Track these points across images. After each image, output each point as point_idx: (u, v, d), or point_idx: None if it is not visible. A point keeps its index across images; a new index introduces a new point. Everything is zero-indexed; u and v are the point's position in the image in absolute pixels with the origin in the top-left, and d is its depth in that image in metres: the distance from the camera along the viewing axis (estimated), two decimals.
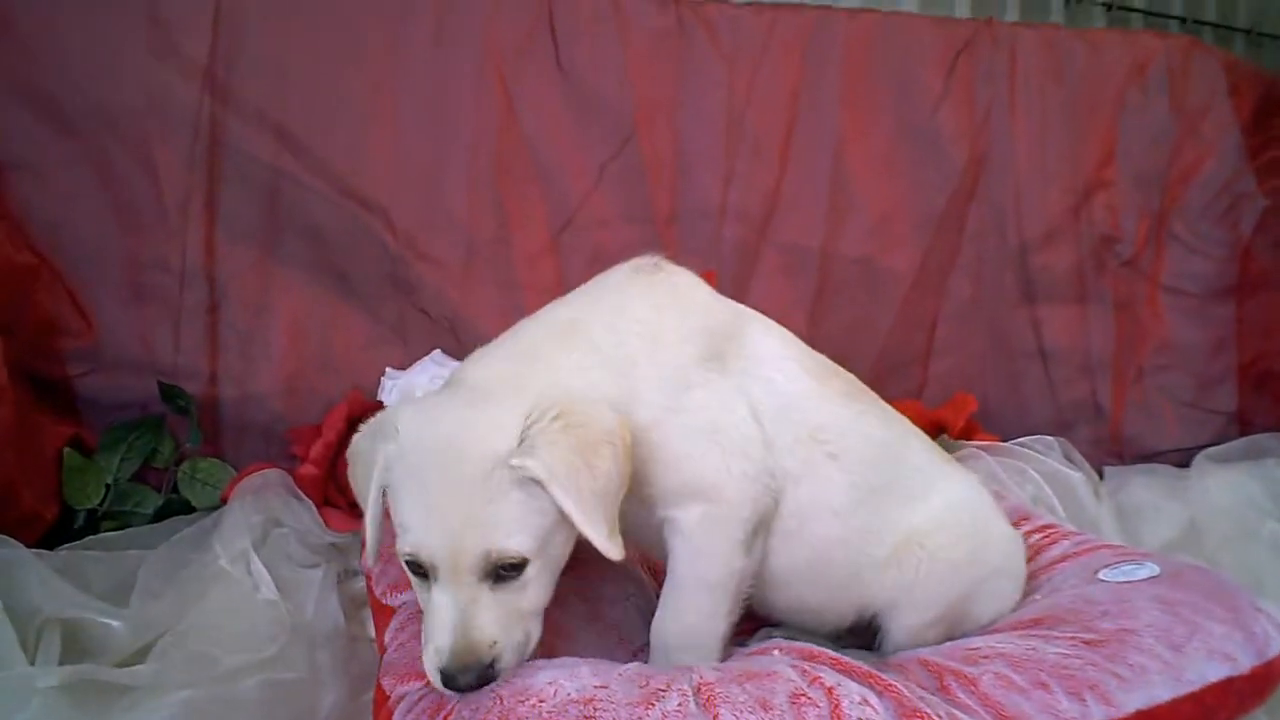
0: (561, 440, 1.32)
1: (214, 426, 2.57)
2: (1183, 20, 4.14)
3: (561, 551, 1.39)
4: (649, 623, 1.62)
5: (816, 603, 1.70)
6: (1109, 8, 3.98)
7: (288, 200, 2.63)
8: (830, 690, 1.34)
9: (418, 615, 1.57)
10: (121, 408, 2.47)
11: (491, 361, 1.51)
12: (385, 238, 2.70)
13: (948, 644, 1.60)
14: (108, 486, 2.34)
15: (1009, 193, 3.21)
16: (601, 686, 1.33)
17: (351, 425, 2.46)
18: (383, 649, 1.58)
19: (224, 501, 2.32)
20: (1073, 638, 1.54)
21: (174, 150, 2.54)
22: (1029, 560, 1.87)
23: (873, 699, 1.34)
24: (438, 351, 2.68)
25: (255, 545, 2.09)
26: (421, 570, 1.34)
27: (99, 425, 2.44)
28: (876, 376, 2.77)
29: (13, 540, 1.93)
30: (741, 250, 3.00)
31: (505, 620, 1.33)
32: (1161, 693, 1.44)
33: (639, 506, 1.46)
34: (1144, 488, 2.81)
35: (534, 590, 1.36)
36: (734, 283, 2.92)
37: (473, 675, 1.29)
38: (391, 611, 1.65)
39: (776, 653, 1.50)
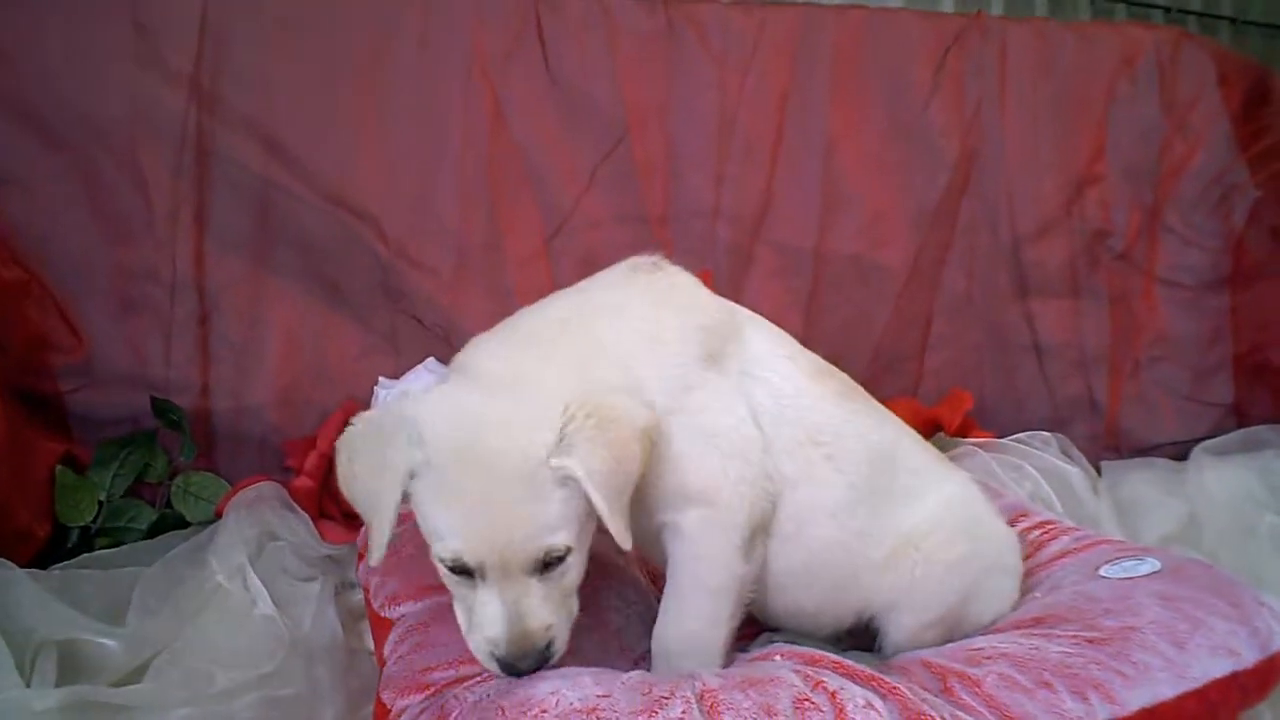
0: (597, 438, 1.35)
1: (207, 440, 2.56)
2: (1167, 9, 4.15)
3: (590, 533, 1.43)
4: (650, 630, 1.61)
5: (814, 606, 1.69)
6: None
7: (278, 210, 2.62)
8: (834, 695, 1.33)
9: (417, 628, 1.57)
10: (114, 423, 2.46)
11: (500, 352, 1.50)
12: (376, 246, 2.69)
13: (950, 645, 1.60)
14: (101, 503, 2.33)
15: (1001, 187, 3.21)
16: (604, 695, 1.33)
17: None
18: (382, 662, 1.57)
19: (219, 515, 2.31)
20: (1075, 636, 1.53)
21: (162, 161, 2.52)
22: (1028, 557, 1.87)
23: (877, 702, 1.34)
24: (431, 359, 2.67)
25: (251, 559, 2.07)
26: (462, 570, 1.35)
27: (91, 441, 2.42)
28: (872, 374, 2.78)
29: (6, 561, 1.92)
30: (735, 251, 2.99)
31: (553, 604, 1.37)
32: (1165, 690, 1.44)
33: (638, 510, 1.46)
34: (1142, 482, 2.80)
35: (573, 572, 1.40)
36: (728, 283, 2.91)
37: (532, 659, 1.35)
38: (390, 624, 1.64)
39: (778, 658, 1.50)
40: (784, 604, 1.68)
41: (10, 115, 2.43)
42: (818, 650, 1.51)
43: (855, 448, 1.66)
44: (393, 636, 1.59)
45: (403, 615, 1.64)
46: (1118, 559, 1.80)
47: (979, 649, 1.53)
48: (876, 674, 1.41)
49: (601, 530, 1.39)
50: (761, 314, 1.74)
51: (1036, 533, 2.03)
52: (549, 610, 1.36)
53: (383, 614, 1.67)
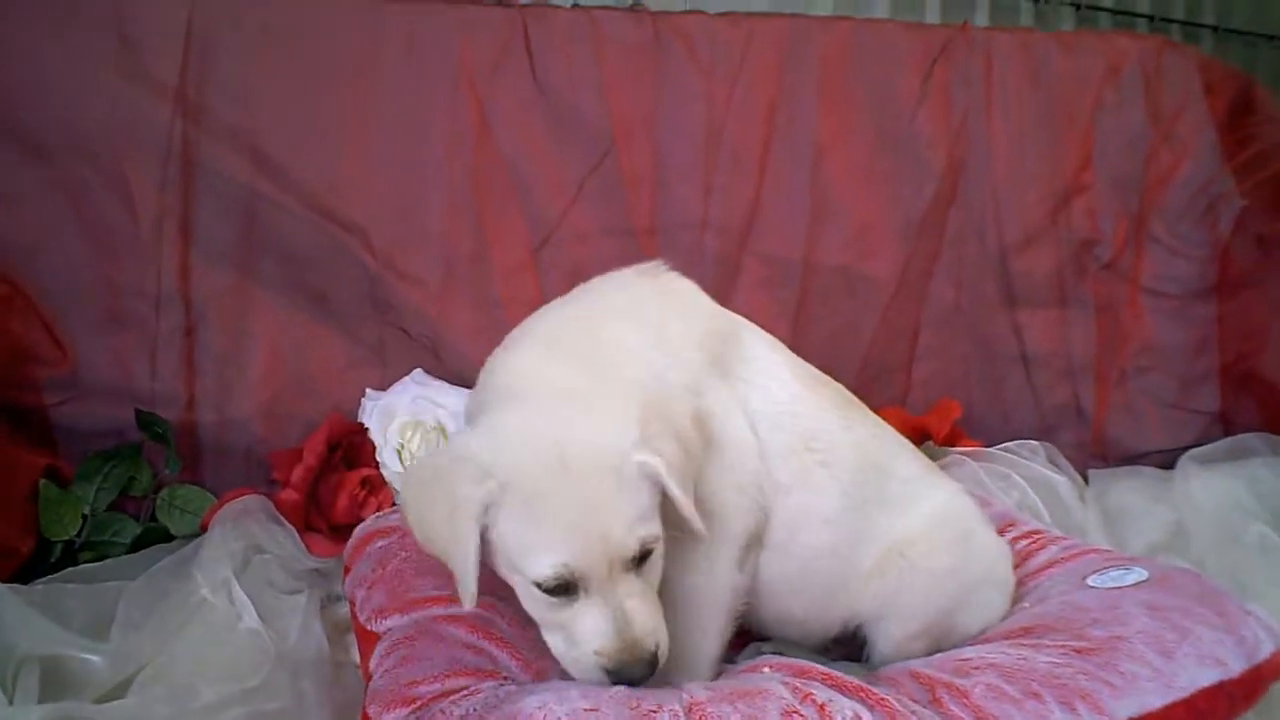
0: (666, 432, 1.40)
1: (193, 452, 2.54)
2: (1151, 18, 4.17)
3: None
4: None
5: (803, 613, 1.69)
6: (1077, 7, 4.00)
7: (264, 222, 2.61)
8: (822, 707, 1.34)
9: (404, 641, 1.57)
10: (98, 436, 2.44)
11: (543, 368, 1.50)
12: (363, 257, 2.68)
13: (939, 655, 1.60)
14: (85, 517, 2.31)
15: (988, 197, 3.21)
16: (591, 710, 1.32)
17: (332, 448, 2.47)
18: (368, 676, 1.56)
19: (204, 529, 2.29)
20: (1064, 646, 1.54)
21: (147, 173, 2.51)
22: (1016, 567, 1.87)
23: (865, 714, 1.34)
24: (418, 371, 2.66)
25: (236, 573, 2.05)
26: (562, 588, 1.35)
27: (76, 454, 2.40)
28: (860, 384, 2.78)
29: None
30: (723, 262, 2.99)
31: (651, 606, 1.39)
32: (1153, 700, 1.45)
33: None
34: (1129, 490, 2.81)
35: (659, 565, 1.43)
36: (716, 295, 2.82)
37: (644, 667, 1.36)
38: (377, 638, 1.63)
39: (767, 670, 1.50)
40: (774, 611, 1.69)
41: None
42: (806, 662, 1.50)
43: (849, 455, 1.68)
44: (379, 650, 1.58)
45: (389, 629, 1.63)
46: (1105, 569, 1.81)
47: (967, 659, 1.53)
48: (865, 685, 1.41)
49: None
50: None
51: (1024, 542, 2.03)
52: (649, 613, 1.38)
53: (369, 627, 1.67)
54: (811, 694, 1.36)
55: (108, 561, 2.22)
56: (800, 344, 1.79)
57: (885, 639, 1.67)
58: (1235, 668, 1.53)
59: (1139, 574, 1.75)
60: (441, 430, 2.57)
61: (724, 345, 1.65)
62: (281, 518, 2.36)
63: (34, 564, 2.22)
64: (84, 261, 2.49)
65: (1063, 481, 2.79)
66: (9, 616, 1.81)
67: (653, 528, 1.38)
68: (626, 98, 2.90)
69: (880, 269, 3.11)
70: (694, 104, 2.97)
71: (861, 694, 1.39)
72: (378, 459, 2.54)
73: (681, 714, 1.32)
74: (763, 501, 1.59)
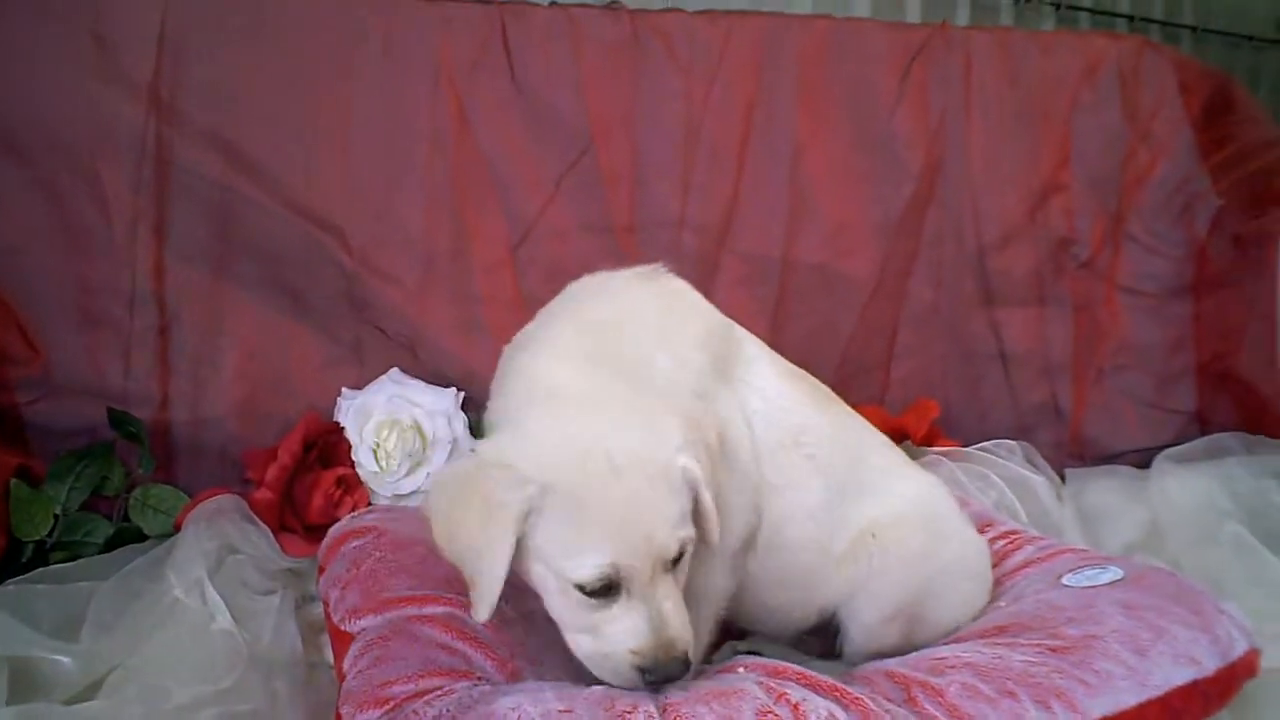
0: (698, 440, 1.44)
1: (166, 452, 2.52)
2: (1130, 19, 4.19)
3: None
4: None
5: (783, 604, 1.70)
6: (1057, 7, 4.02)
7: (239, 220, 2.59)
8: (796, 706, 1.33)
9: (377, 642, 1.55)
10: (71, 435, 2.42)
11: (572, 370, 1.48)
12: (340, 256, 2.67)
13: (914, 654, 1.60)
14: (56, 517, 2.28)
15: (966, 196, 3.22)
16: (566, 711, 1.32)
17: (307, 447, 2.45)
18: (342, 676, 1.55)
19: (177, 528, 2.27)
20: (1038, 645, 1.54)
21: (121, 172, 2.49)
22: (993, 567, 1.87)
23: (839, 713, 1.34)
24: (395, 370, 2.65)
25: (210, 573, 2.03)
26: (603, 590, 1.35)
27: (49, 454, 2.38)
28: (839, 383, 2.76)
29: None
30: (701, 260, 2.98)
31: (681, 609, 1.39)
32: (1128, 698, 1.45)
33: None
34: (1105, 490, 2.81)
35: (685, 566, 1.43)
36: None
37: (679, 665, 1.37)
38: (350, 638, 1.62)
39: (742, 670, 1.49)
40: (755, 604, 1.69)
41: None
42: (781, 662, 1.50)
43: (830, 447, 1.70)
44: (352, 651, 1.57)
45: (363, 629, 1.62)
46: (1081, 568, 1.81)
47: (942, 658, 1.53)
48: (839, 684, 1.41)
49: None
50: None
51: (1001, 543, 2.04)
52: (682, 614, 1.39)
53: (343, 628, 1.66)
54: (786, 694, 1.36)
55: (79, 561, 2.20)
56: (779, 342, 1.79)
57: (857, 625, 1.68)
58: (1209, 666, 1.53)
59: (1114, 573, 1.76)
60: (418, 429, 2.56)
61: (724, 347, 1.66)
62: (255, 517, 2.34)
63: (4, 564, 2.19)
64: (57, 260, 2.47)
65: (1040, 481, 2.79)
66: None
67: (689, 530, 1.40)
68: (605, 95, 2.90)
69: (858, 268, 3.11)
70: (672, 102, 2.97)
71: (836, 693, 1.38)
72: (353, 458, 2.53)
73: (656, 714, 1.32)
74: (758, 502, 1.60)
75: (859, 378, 3.12)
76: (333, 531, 2.00)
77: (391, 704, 1.40)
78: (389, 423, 2.55)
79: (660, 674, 1.36)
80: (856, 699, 1.37)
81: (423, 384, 2.65)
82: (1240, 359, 3.13)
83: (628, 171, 2.93)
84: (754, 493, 1.59)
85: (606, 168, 2.89)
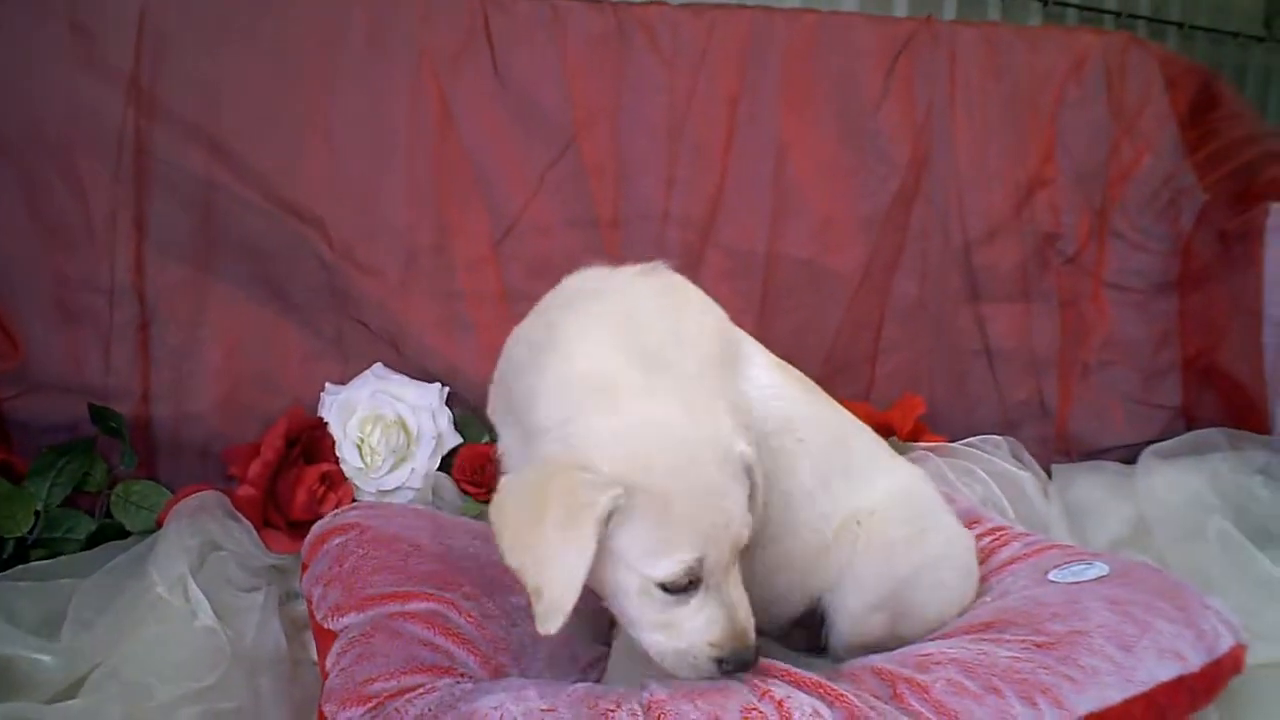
0: (747, 428, 1.46)
1: (148, 448, 2.50)
2: (1117, 14, 4.19)
3: None
4: (600, 638, 1.61)
5: (774, 593, 1.69)
6: (1045, 3, 4.02)
7: (220, 213, 2.57)
8: (781, 703, 1.33)
9: (360, 639, 1.55)
10: (51, 431, 2.40)
11: (623, 366, 1.44)
12: (322, 249, 2.65)
13: (900, 650, 1.60)
14: (37, 513, 2.26)
15: (951, 192, 3.21)
16: (549, 710, 1.32)
17: (291, 443, 2.44)
18: (325, 674, 1.54)
19: (159, 525, 2.25)
20: (1024, 640, 1.54)
21: (100, 164, 2.47)
22: (980, 564, 1.87)
23: (824, 710, 1.34)
24: (379, 365, 2.64)
25: (193, 570, 2.02)
26: (683, 584, 1.34)
27: (28, 450, 2.36)
28: (825, 378, 2.76)
29: None
30: (686, 254, 2.97)
31: (744, 594, 1.40)
32: (1113, 694, 1.45)
33: None
34: (1091, 485, 2.81)
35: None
36: None
37: (753, 652, 1.38)
38: (334, 636, 1.61)
39: None
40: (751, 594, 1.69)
41: None
42: (767, 659, 1.50)
43: (819, 434, 1.70)
44: (335, 648, 1.56)
45: (346, 627, 1.61)
46: (1066, 564, 1.82)
47: (928, 655, 1.53)
48: (824, 681, 1.41)
49: None
50: None
51: (988, 539, 2.04)
52: (746, 605, 1.39)
53: (326, 626, 1.65)
54: (770, 691, 1.35)
55: (61, 559, 2.18)
56: (764, 337, 1.78)
57: (842, 615, 1.68)
58: (1195, 662, 1.53)
59: (1100, 569, 1.76)
60: (402, 425, 2.55)
61: (728, 340, 1.66)
62: (238, 514, 2.32)
63: None
64: (35, 254, 2.45)
65: (1027, 477, 2.79)
66: None
67: (750, 517, 1.40)
68: (589, 89, 2.88)
69: (843, 263, 3.11)
70: (656, 95, 2.96)
71: (820, 690, 1.38)
72: (337, 454, 2.52)
73: (640, 712, 1.31)
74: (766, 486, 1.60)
75: (845, 373, 3.11)
76: (315, 529, 1.98)
77: (374, 702, 1.39)
78: (373, 418, 2.54)
79: (736, 663, 1.37)
80: (841, 695, 1.37)
81: (407, 379, 2.64)
82: (1225, 354, 3.14)
83: (612, 165, 2.91)
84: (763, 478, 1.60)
85: (590, 161, 2.88)
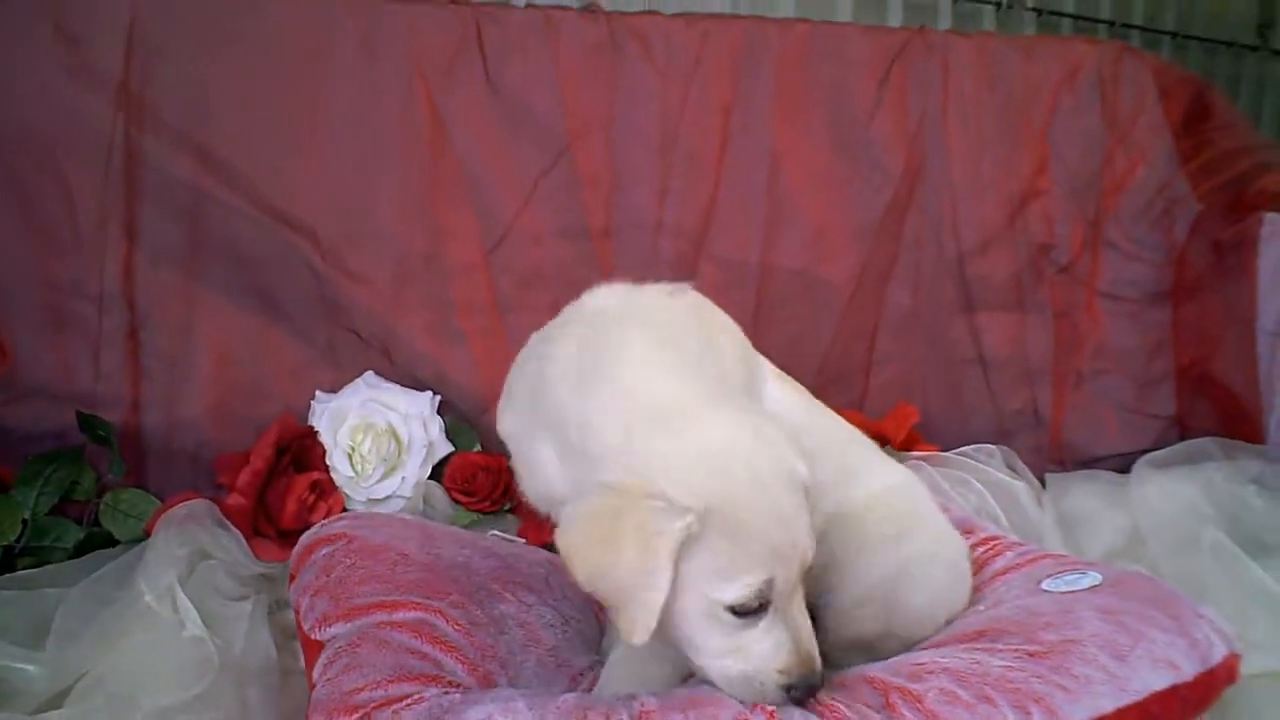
0: (797, 445, 1.43)
1: (137, 456, 2.49)
2: (1110, 24, 4.20)
3: None
4: (591, 647, 1.60)
5: None
6: (1039, 13, 4.03)
7: (210, 221, 2.56)
8: (772, 715, 1.32)
9: (347, 649, 1.53)
10: (39, 439, 2.39)
11: (678, 386, 1.42)
12: (313, 258, 2.64)
13: (893, 659, 1.58)
14: (25, 522, 2.25)
15: (945, 202, 3.22)
16: None
17: (280, 451, 2.43)
18: (312, 684, 1.53)
19: (148, 534, 2.24)
20: (1017, 650, 1.53)
21: (89, 171, 2.46)
22: (973, 574, 1.86)
23: None
24: (370, 373, 2.63)
25: (181, 579, 2.00)
26: (753, 607, 1.33)
27: (15, 458, 2.34)
28: (819, 388, 2.74)
29: None
30: (679, 265, 2.97)
31: (808, 617, 1.39)
32: (1106, 703, 1.44)
33: None
34: (1085, 495, 2.81)
35: None
36: None
37: (817, 677, 1.36)
38: (320, 646, 1.60)
39: None
40: None
41: None
42: None
43: (819, 440, 1.68)
44: (322, 658, 1.55)
45: (333, 636, 1.60)
46: (1060, 573, 1.80)
47: (921, 664, 1.52)
48: None
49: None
50: None
51: (982, 549, 2.02)
52: (809, 628, 1.38)
53: (313, 636, 1.63)
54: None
55: (48, 567, 2.17)
56: (758, 348, 1.78)
57: (832, 610, 1.66)
58: (1188, 671, 1.52)
59: (1093, 578, 1.75)
60: (393, 433, 2.54)
61: (751, 359, 1.69)
62: (228, 522, 2.32)
63: None
64: (24, 261, 2.44)
65: (1021, 486, 2.78)
66: None
67: (814, 538, 1.39)
68: (582, 98, 2.88)
69: (837, 273, 3.11)
70: (649, 105, 2.96)
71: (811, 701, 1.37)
72: (328, 462, 2.51)
73: None
74: None
75: (839, 383, 3.11)
76: (303, 539, 1.97)
77: (360, 712, 1.37)
78: (363, 426, 2.53)
79: (804, 689, 1.35)
80: (831, 705, 1.37)
81: (398, 387, 2.63)
82: (1219, 364, 3.14)
83: (605, 175, 2.91)
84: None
85: (583, 171, 2.88)
